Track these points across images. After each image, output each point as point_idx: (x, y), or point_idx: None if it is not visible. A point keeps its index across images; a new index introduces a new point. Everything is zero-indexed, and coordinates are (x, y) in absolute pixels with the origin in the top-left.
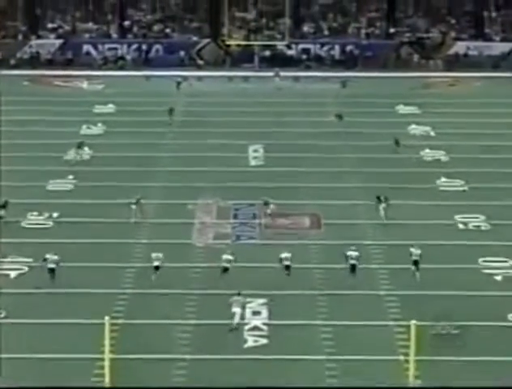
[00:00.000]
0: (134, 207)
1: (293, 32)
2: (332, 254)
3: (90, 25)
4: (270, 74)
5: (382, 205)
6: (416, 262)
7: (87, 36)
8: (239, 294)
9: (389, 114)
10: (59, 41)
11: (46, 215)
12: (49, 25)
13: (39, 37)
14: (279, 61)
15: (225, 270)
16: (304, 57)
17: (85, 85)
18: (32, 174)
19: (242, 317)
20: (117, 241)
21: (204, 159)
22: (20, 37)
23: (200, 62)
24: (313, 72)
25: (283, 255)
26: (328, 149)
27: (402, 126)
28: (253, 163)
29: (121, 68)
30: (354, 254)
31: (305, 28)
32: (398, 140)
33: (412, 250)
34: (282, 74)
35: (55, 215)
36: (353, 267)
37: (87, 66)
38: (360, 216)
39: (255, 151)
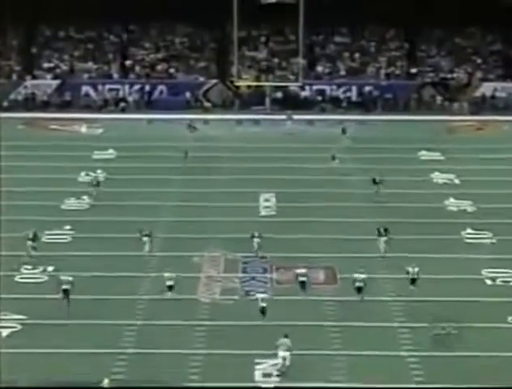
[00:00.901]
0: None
1: (307, 72)
2: (349, 311)
3: (89, 65)
4: (283, 117)
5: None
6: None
7: (86, 76)
8: (286, 336)
9: (410, 161)
10: (56, 82)
11: (41, 268)
12: (46, 65)
13: (34, 78)
14: (291, 103)
15: (263, 311)
16: (318, 98)
17: (84, 129)
18: (27, 224)
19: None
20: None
21: (211, 208)
22: (14, 77)
23: (207, 105)
24: (328, 115)
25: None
26: (344, 197)
27: (424, 174)
28: (263, 212)
29: (123, 110)
30: (361, 276)
31: (320, 68)
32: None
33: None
34: (295, 117)
35: (50, 269)
36: (359, 289)
37: (85, 109)
38: (380, 271)
39: (266, 200)
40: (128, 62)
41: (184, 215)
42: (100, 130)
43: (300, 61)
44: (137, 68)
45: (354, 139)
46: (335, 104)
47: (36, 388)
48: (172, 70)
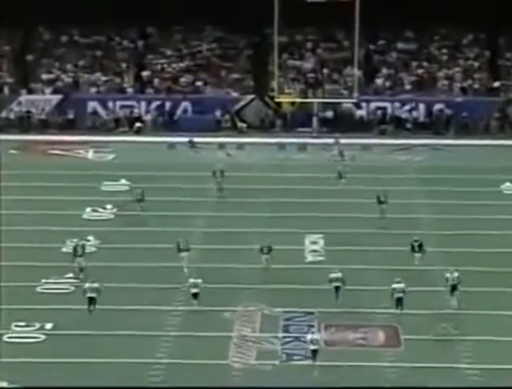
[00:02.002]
0: None
1: (364, 86)
2: (416, 381)
3: (97, 76)
4: (333, 141)
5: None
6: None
7: (93, 90)
8: None
9: (491, 195)
10: (57, 97)
11: (37, 325)
12: (44, 76)
13: (30, 92)
14: (344, 124)
15: (314, 353)
16: (377, 118)
17: (90, 154)
18: (24, 272)
19: None
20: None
21: (246, 252)
22: (6, 91)
23: (241, 125)
24: (389, 139)
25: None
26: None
27: (509, 211)
28: (310, 258)
29: (138, 132)
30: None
31: (380, 81)
32: None
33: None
34: (348, 141)
35: (48, 326)
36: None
37: (92, 130)
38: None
39: (313, 242)
40: (145, 74)
41: (213, 260)
42: (111, 156)
43: (356, 72)
44: (156, 81)
45: (421, 169)
46: (398, 125)
47: (35, 388)
48: (198, 84)
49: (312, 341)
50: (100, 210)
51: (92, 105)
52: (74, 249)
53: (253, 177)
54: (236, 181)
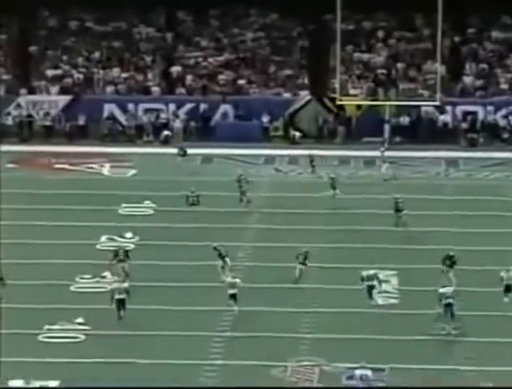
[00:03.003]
0: None
1: (449, 85)
2: None
3: (115, 72)
4: (407, 153)
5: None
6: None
7: (110, 89)
8: None
9: None
10: (65, 98)
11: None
12: (49, 72)
13: (32, 91)
14: (423, 132)
15: None
16: (466, 126)
17: (106, 170)
18: (26, 316)
19: None
20: None
21: (296, 291)
22: (2, 91)
23: (295, 134)
24: (480, 152)
25: None
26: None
27: None
28: (380, 301)
29: (165, 142)
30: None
31: (468, 80)
32: None
33: None
34: (429, 154)
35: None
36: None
37: (109, 140)
38: None
39: (384, 281)
40: (174, 69)
41: (256, 302)
42: (131, 172)
43: (439, 68)
44: (188, 78)
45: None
46: (492, 134)
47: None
48: (241, 82)
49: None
50: (118, 239)
51: (109, 109)
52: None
53: (306, 198)
54: (287, 202)
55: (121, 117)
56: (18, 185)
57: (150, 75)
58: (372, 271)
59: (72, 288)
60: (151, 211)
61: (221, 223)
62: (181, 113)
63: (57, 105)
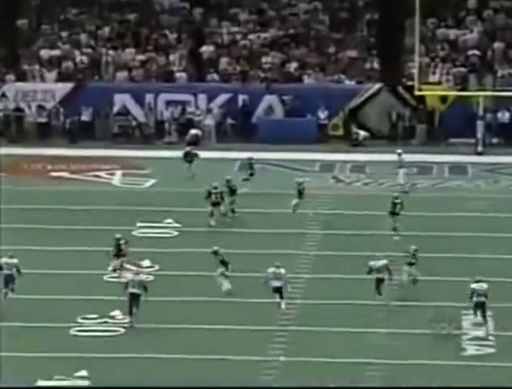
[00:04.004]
0: None
1: None
2: None
3: (129, 54)
4: (506, 159)
5: None
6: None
7: (122, 76)
8: None
9: None
10: (64, 87)
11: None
12: (44, 52)
13: (21, 77)
14: None
15: None
16: None
17: (117, 179)
18: (19, 368)
19: None
20: None
21: (363, 338)
22: None
23: (359, 133)
24: None
25: None
26: None
27: None
28: (471, 350)
29: (194, 144)
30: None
31: None
32: None
33: None
34: None
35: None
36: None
37: (120, 140)
38: None
39: (476, 324)
40: (205, 49)
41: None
42: (149, 182)
43: None
44: (222, 61)
45: None
46: None
47: (34, 388)
48: (291, 66)
49: None
50: (133, 268)
51: (121, 100)
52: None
53: (374, 217)
54: (346, 223)
55: (137, 112)
56: (3, 199)
57: (173, 57)
58: (382, 262)
59: (72, 332)
60: (174, 233)
61: (266, 248)
62: (214, 106)
63: (54, 96)
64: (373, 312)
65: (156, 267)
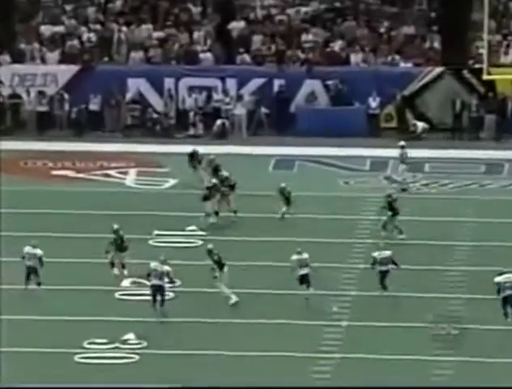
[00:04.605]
0: None
1: None
2: None
3: (145, 31)
4: None
5: None
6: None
7: (137, 56)
8: None
9: None
10: (69, 69)
11: None
12: (44, 29)
13: (18, 58)
14: None
15: None
16: None
17: (131, 179)
18: None
19: None
20: None
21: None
22: None
23: (418, 125)
24: None
25: None
26: None
27: None
28: None
29: (221, 136)
30: None
31: None
32: None
33: None
34: None
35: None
36: None
37: (135, 133)
38: None
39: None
40: (235, 26)
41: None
42: (169, 183)
43: None
44: (255, 39)
45: None
46: None
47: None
48: (337, 45)
49: None
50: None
51: (135, 86)
52: None
53: (435, 223)
54: (407, 231)
55: (154, 100)
56: None
57: (197, 35)
58: (386, 253)
59: (77, 359)
60: (199, 242)
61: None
62: (245, 92)
63: (56, 80)
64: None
65: (177, 283)
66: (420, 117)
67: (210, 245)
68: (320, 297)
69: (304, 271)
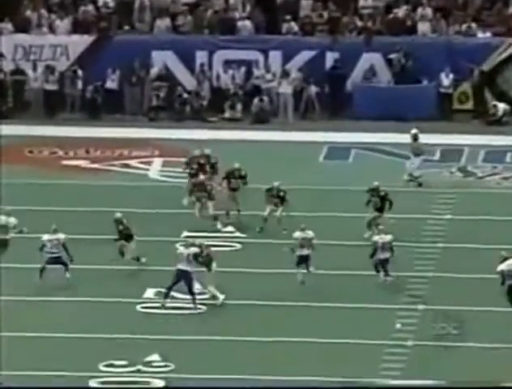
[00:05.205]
0: None
1: None
2: None
3: None
4: None
5: None
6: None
7: (162, 24)
8: None
9: None
10: (82, 40)
11: None
12: None
13: (21, 27)
14: None
15: None
16: None
17: (155, 170)
18: None
19: None
20: None
21: None
22: None
23: (498, 107)
24: None
25: None
26: None
27: None
28: None
29: (261, 121)
30: None
31: None
32: None
33: None
34: None
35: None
36: None
37: (161, 116)
38: None
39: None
40: None
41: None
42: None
43: None
44: (303, 5)
45: None
46: None
47: (34, 388)
48: (399, 12)
49: None
50: (179, 296)
51: (161, 59)
52: None
53: None
54: (477, 234)
55: (183, 76)
56: None
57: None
58: (388, 237)
59: (93, 384)
60: (237, 245)
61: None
62: (292, 67)
63: (67, 53)
64: None
65: (225, 297)
66: (501, 97)
67: (197, 242)
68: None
69: (304, 252)
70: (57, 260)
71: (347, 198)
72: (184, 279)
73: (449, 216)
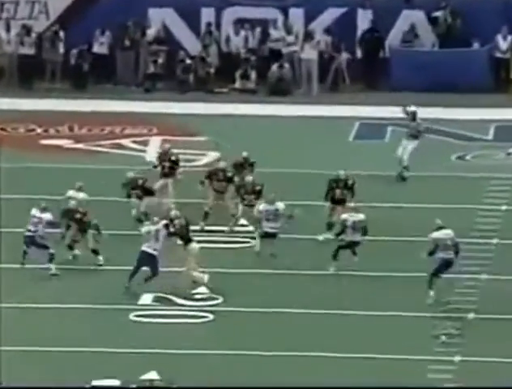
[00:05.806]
0: None
1: None
2: None
3: None
4: None
5: None
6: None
7: None
8: None
9: None
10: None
11: None
12: None
13: None
14: None
15: None
16: None
17: (151, 152)
18: None
19: None
20: None
21: None
22: None
23: None
24: None
25: None
26: None
27: None
28: None
29: (281, 92)
30: None
31: None
32: None
33: None
34: None
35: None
36: None
37: (158, 86)
38: None
39: None
40: None
41: None
42: (207, 157)
43: None
44: None
45: None
46: None
47: (35, 388)
48: None
49: None
50: (179, 301)
51: (158, 17)
52: None
53: None
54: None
55: (186, 39)
56: None
57: None
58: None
59: None
60: (254, 242)
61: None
62: (317, 28)
63: (46, 11)
64: None
65: (219, 300)
66: None
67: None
68: None
69: (272, 230)
70: (32, 240)
71: (383, 185)
72: (148, 265)
73: (505, 207)
